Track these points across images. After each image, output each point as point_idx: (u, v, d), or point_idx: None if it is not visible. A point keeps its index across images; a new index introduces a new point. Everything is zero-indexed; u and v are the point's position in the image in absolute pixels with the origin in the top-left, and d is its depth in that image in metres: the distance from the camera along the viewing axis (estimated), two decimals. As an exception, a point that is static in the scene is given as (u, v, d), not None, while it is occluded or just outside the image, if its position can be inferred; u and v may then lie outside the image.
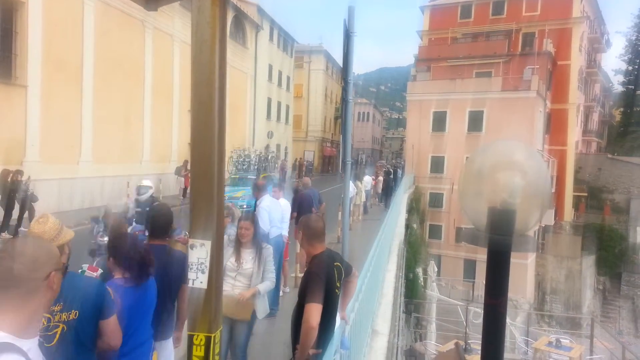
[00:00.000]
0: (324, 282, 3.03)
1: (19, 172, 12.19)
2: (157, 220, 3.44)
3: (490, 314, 1.66)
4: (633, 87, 53.64)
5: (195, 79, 1.28)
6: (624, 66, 55.22)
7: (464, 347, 13.93)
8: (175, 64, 22.72)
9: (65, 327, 2.37)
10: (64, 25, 15.92)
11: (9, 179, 11.98)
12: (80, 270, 2.93)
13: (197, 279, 1.31)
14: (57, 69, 15.61)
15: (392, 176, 24.80)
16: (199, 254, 1.31)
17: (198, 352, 1.29)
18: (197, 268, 1.31)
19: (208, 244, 1.30)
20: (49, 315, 2.33)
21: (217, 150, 1.29)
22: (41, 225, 2.49)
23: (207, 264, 1.31)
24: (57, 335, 2.35)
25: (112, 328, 2.52)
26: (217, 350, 1.31)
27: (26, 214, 12.38)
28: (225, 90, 1.32)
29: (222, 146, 1.32)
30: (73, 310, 2.39)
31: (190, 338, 1.30)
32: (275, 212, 7.35)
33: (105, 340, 2.52)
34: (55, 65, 15.50)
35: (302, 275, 3.71)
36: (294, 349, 3.12)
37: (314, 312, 2.86)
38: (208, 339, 1.29)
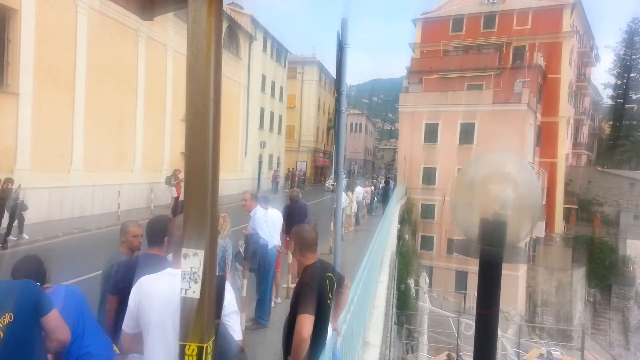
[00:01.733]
0: (316, 293, 3.01)
1: (9, 180, 12.08)
2: (154, 230, 3.37)
3: (482, 324, 1.67)
4: (622, 100, 54.39)
5: (190, 89, 1.29)
6: (613, 80, 56.06)
7: (455, 359, 13.92)
8: (168, 73, 22.71)
9: (1, 334, 2.30)
10: (57, 34, 15.89)
11: (-1, 187, 11.88)
12: None
13: (190, 289, 1.31)
14: (49, 77, 15.55)
15: (388, 185, 25.59)
16: (192, 263, 1.31)
17: (190, 363, 1.28)
18: (189, 278, 1.31)
19: (201, 254, 1.30)
20: None
21: (211, 159, 1.29)
22: None
23: (200, 273, 1.31)
24: None
25: (54, 323, 2.46)
26: (209, 361, 1.30)
27: (16, 223, 12.26)
28: (220, 100, 1.33)
29: (217, 155, 1.33)
30: (7, 314, 2.33)
31: (182, 348, 1.29)
32: (270, 223, 7.37)
33: (51, 337, 2.47)
34: (47, 73, 15.45)
35: (294, 286, 3.69)
36: (286, 355, 3.10)
37: (306, 323, 2.83)
38: (200, 349, 1.28)
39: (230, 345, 2.51)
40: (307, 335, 2.80)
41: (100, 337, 2.93)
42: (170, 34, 22.47)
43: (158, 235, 3.27)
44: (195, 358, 1.27)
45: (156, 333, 2.33)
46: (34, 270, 2.77)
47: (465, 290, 27.79)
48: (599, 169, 42.41)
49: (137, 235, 4.11)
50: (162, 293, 2.33)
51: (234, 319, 2.63)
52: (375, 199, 27.10)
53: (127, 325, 2.48)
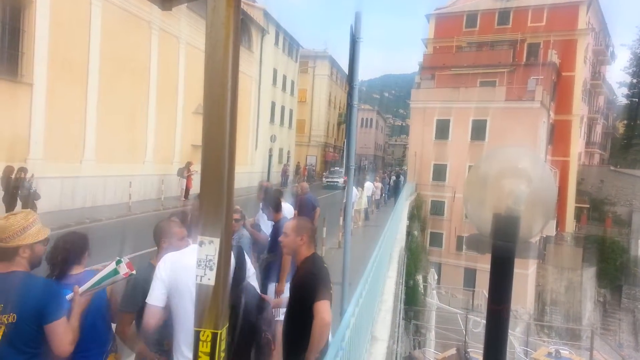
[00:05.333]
0: (325, 279, 3.06)
1: (23, 170, 12.22)
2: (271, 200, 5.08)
3: (493, 319, 1.67)
4: (637, 99, 53.59)
5: (208, 78, 1.30)
6: (628, 79, 55.22)
7: (464, 354, 13.88)
8: (181, 66, 22.77)
9: (5, 329, 2.28)
10: (71, 25, 15.99)
11: (13, 176, 12.01)
12: (116, 260, 2.82)
13: (205, 276, 1.33)
14: (63, 68, 15.67)
15: (398, 178, 25.78)
16: (207, 251, 1.33)
17: (204, 348, 1.30)
18: (205, 265, 1.33)
19: (217, 241, 1.32)
20: None
21: (228, 148, 1.31)
22: (3, 221, 2.40)
23: (215, 261, 1.33)
24: (0, 336, 2.28)
25: (52, 335, 2.36)
26: (222, 347, 1.32)
27: (28, 212, 12.40)
28: (237, 90, 1.34)
29: (233, 144, 1.35)
30: (11, 314, 2.29)
31: (197, 334, 1.31)
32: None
33: (51, 346, 2.37)
34: (61, 64, 15.56)
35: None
36: (290, 352, 3.09)
37: (327, 308, 2.89)
38: (214, 335, 1.30)
39: (256, 298, 3.05)
40: (330, 319, 2.87)
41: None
42: (183, 27, 22.52)
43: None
44: (209, 344, 1.30)
45: (190, 303, 2.50)
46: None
47: (474, 287, 27.70)
48: (612, 168, 41.95)
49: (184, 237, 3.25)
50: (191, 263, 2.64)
51: (254, 279, 3.39)
52: (384, 194, 27.07)
53: (157, 299, 2.70)
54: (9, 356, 2.31)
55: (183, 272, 2.68)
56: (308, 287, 3.01)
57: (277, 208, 6.25)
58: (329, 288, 3.03)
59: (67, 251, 2.83)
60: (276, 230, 5.64)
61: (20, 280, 2.39)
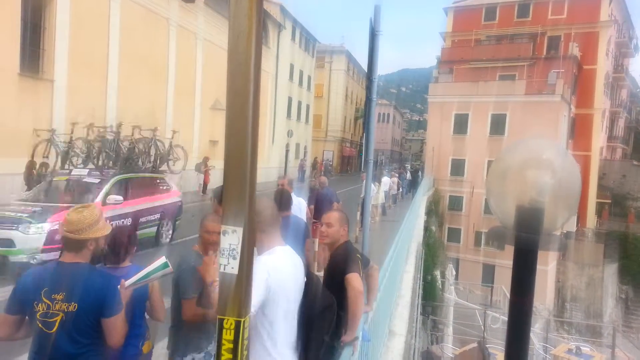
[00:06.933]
0: (351, 257, 3.23)
1: (44, 165, 12.42)
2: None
3: (515, 311, 1.66)
4: (662, 93, 52.41)
5: (231, 70, 1.32)
6: (652, 71, 53.95)
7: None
8: (198, 62, 22.92)
9: (64, 316, 2.35)
10: (91, 22, 16.21)
11: (35, 171, 12.22)
12: (165, 256, 2.86)
13: (229, 265, 1.35)
14: (83, 64, 15.89)
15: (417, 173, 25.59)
16: (230, 240, 1.35)
17: (228, 335, 1.33)
18: (228, 254, 1.35)
19: (240, 231, 1.34)
20: (48, 302, 2.34)
21: (250, 138, 1.33)
22: (75, 214, 2.50)
23: (239, 249, 1.34)
24: (57, 323, 2.35)
25: (112, 328, 2.44)
26: (246, 335, 1.34)
27: (51, 206, 12.61)
28: (259, 81, 1.35)
29: (256, 134, 1.36)
30: (73, 303, 2.36)
31: (221, 322, 1.34)
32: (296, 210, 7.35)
33: (106, 338, 2.47)
34: (81, 60, 15.78)
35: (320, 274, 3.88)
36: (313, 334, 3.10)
37: (358, 278, 3.09)
38: (238, 323, 1.32)
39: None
40: (362, 288, 3.07)
41: None
42: (200, 23, 22.64)
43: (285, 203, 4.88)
44: (233, 332, 1.32)
45: (282, 303, 2.46)
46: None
47: (493, 283, 27.48)
48: (634, 163, 41.11)
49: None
50: (285, 267, 2.54)
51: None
52: (401, 189, 26.94)
53: (258, 302, 2.38)
54: (63, 345, 2.38)
55: (280, 275, 2.48)
56: (338, 266, 3.23)
57: (283, 207, 6.08)
58: (357, 263, 3.21)
59: (114, 243, 2.93)
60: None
61: (84, 271, 2.47)
